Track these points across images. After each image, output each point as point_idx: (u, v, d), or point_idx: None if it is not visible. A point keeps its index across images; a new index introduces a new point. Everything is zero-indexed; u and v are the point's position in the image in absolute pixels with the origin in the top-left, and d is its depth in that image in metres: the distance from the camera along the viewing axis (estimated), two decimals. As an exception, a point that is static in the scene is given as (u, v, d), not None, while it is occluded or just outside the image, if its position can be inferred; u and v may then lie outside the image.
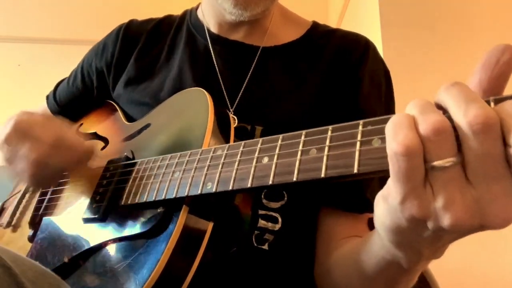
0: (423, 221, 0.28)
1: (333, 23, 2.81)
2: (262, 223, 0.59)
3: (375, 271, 0.43)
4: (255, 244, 0.59)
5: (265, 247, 0.59)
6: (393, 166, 0.28)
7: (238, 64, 0.68)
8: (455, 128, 0.27)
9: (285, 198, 0.61)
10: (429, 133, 0.26)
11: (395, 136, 0.27)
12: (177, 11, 0.82)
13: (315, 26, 0.73)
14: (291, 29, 0.72)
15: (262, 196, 0.60)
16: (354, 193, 0.61)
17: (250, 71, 0.67)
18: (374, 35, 1.89)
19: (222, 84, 0.66)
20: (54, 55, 3.08)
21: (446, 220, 0.27)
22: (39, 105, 0.89)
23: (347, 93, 0.64)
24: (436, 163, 0.27)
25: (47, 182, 0.62)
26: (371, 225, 0.62)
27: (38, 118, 0.61)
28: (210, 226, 0.49)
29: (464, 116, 0.26)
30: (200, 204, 0.49)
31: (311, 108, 0.63)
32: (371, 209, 0.61)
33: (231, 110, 0.64)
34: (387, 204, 0.31)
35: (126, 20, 0.81)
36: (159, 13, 0.83)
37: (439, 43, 1.84)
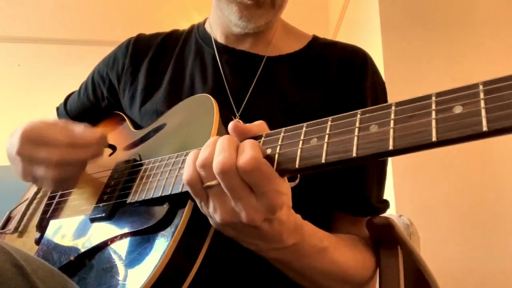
0: (211, 219, 0.44)
1: (333, 24, 2.82)
2: None
3: None
4: None
5: None
6: (190, 191, 0.43)
7: (244, 72, 0.71)
8: None
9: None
10: (198, 168, 0.41)
11: (185, 173, 0.42)
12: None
13: (315, 38, 0.78)
14: (293, 41, 0.76)
15: None
16: (359, 198, 0.67)
17: (256, 78, 0.70)
18: (374, 36, 1.90)
19: (228, 90, 0.69)
20: (54, 55, 3.09)
21: (217, 219, 0.42)
22: (50, 117, 0.90)
23: (352, 101, 0.68)
24: (205, 184, 0.41)
25: (69, 182, 0.62)
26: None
27: (45, 123, 0.62)
28: None
29: (213, 162, 0.39)
30: None
31: (316, 112, 0.65)
32: (372, 212, 0.67)
33: (237, 115, 0.67)
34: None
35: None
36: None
37: (439, 45, 1.85)
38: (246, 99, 0.68)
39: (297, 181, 0.55)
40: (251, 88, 0.69)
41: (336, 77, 0.70)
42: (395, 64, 1.79)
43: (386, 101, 0.75)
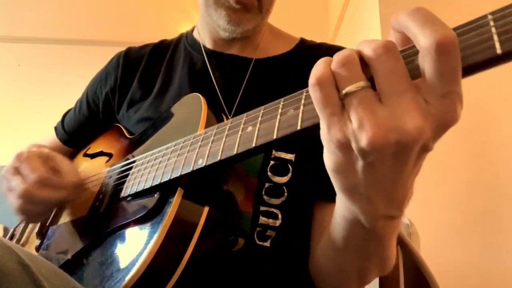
0: (347, 145, 0.31)
1: (333, 24, 2.82)
2: (263, 219, 0.61)
3: (343, 237, 0.45)
4: (258, 241, 0.60)
5: (267, 244, 0.60)
6: (312, 98, 0.33)
7: (233, 75, 0.73)
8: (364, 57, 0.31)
9: (285, 195, 0.62)
10: (335, 64, 0.32)
11: (314, 72, 0.33)
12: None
13: (303, 41, 0.79)
14: (281, 44, 0.78)
15: (263, 193, 0.61)
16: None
17: (245, 81, 0.71)
18: (374, 35, 1.90)
19: (219, 94, 0.70)
20: (54, 55, 3.09)
21: (363, 139, 0.30)
22: (49, 135, 0.92)
23: None
24: (346, 89, 0.31)
25: (34, 216, 0.65)
26: None
27: (33, 153, 0.64)
28: (205, 210, 0.49)
29: (372, 45, 0.31)
30: (195, 187, 0.50)
31: None
32: None
33: (229, 117, 0.67)
34: (323, 142, 0.34)
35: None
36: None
37: (439, 44, 1.85)
38: (237, 101, 0.69)
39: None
40: (241, 91, 0.70)
41: None
42: (395, 64, 1.79)
43: None
